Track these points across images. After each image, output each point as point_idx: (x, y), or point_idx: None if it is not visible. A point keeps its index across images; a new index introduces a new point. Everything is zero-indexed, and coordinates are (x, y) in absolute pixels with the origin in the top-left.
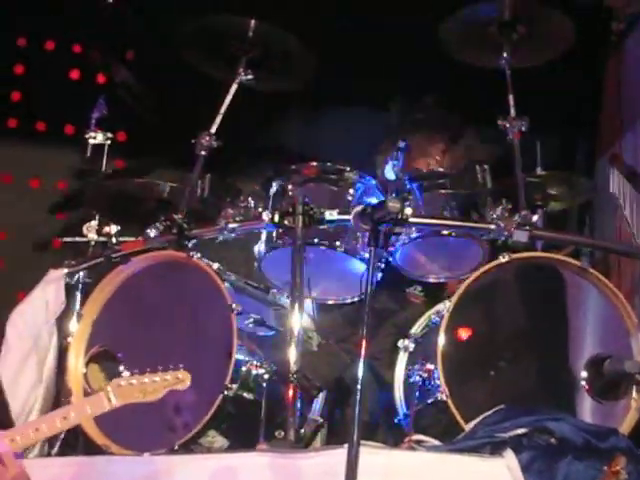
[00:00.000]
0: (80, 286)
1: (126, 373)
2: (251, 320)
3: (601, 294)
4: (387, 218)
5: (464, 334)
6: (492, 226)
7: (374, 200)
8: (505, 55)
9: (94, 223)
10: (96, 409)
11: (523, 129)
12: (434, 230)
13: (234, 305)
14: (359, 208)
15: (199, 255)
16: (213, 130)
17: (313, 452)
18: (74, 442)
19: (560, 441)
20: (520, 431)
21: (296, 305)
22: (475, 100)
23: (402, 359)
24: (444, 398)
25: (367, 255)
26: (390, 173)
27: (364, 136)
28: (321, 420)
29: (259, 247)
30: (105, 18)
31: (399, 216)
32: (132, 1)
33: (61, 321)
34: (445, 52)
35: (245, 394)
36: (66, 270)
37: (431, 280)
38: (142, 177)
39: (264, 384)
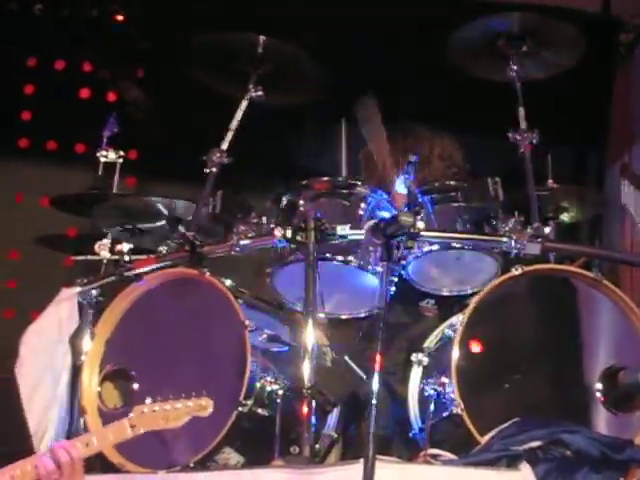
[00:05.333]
0: (93, 304)
1: (149, 400)
2: (265, 336)
3: (614, 305)
4: (399, 232)
5: (478, 347)
6: (504, 239)
7: (386, 214)
8: (515, 68)
9: (106, 241)
10: (119, 436)
11: (534, 142)
12: (446, 243)
13: (247, 322)
14: (371, 223)
15: (211, 272)
16: (224, 147)
17: (328, 467)
18: (89, 460)
19: (576, 453)
20: (535, 444)
21: (309, 320)
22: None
23: (416, 373)
24: (459, 412)
25: (380, 269)
26: (401, 187)
27: None
28: (336, 435)
29: (271, 263)
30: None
31: (411, 230)
32: (142, 18)
33: (74, 340)
34: (453, 66)
35: (259, 410)
36: (79, 288)
37: (444, 293)
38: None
39: (278, 400)
